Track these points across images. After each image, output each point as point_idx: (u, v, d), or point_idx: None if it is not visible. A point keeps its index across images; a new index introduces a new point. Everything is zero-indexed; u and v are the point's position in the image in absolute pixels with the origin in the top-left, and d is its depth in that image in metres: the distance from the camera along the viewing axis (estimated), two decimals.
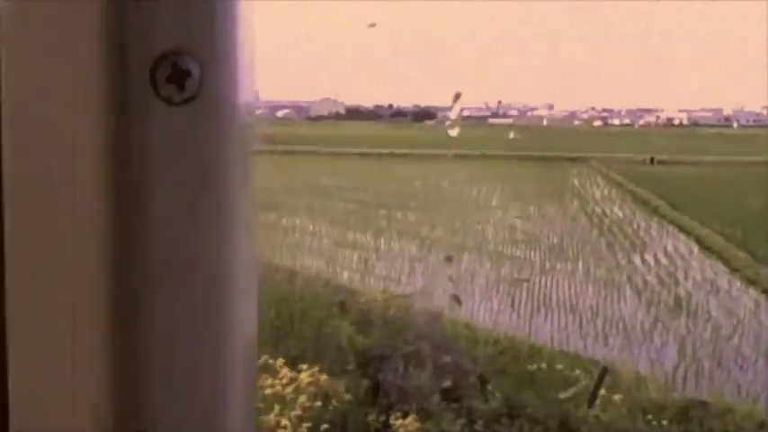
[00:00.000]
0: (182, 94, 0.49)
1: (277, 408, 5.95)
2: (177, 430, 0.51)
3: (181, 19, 0.50)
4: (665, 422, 6.77)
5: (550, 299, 12.39)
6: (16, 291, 0.52)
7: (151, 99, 0.49)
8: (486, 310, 11.47)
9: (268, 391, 6.11)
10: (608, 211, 21.81)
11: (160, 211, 0.50)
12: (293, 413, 6.01)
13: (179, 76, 0.49)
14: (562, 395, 6.99)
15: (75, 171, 0.49)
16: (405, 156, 36.55)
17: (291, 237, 16.36)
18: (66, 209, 0.50)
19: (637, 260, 15.42)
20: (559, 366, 7.89)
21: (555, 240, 17.21)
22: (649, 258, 15.55)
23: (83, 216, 0.49)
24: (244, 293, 0.53)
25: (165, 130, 0.49)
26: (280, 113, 68.92)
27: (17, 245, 0.52)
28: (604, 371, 7.44)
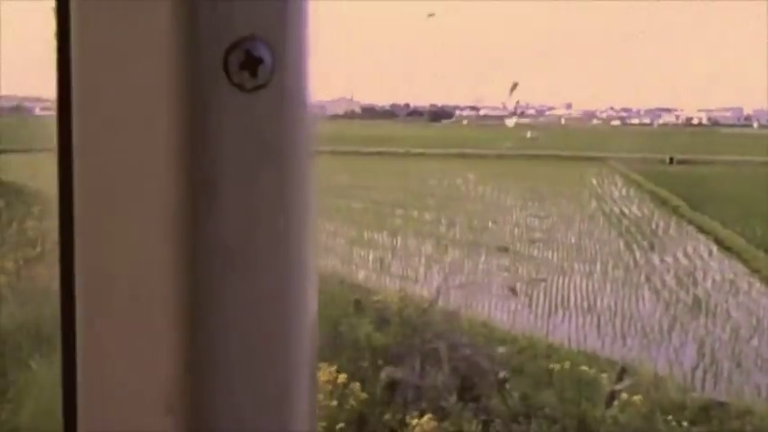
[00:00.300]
0: (254, 81, 0.49)
1: None
2: (247, 417, 0.51)
3: (254, 7, 0.50)
4: (684, 423, 6.71)
5: (568, 299, 12.33)
6: (85, 284, 0.52)
7: (224, 85, 0.49)
8: (504, 310, 11.42)
9: None
10: (626, 211, 21.68)
11: (230, 197, 0.50)
12: None
13: (252, 63, 0.49)
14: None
15: (148, 157, 0.49)
16: (421, 155, 36.54)
17: None
18: (139, 197, 0.50)
19: (655, 260, 15.32)
20: (577, 366, 7.84)
21: (573, 240, 17.13)
22: (668, 258, 15.44)
23: (155, 203, 0.49)
24: (307, 280, 0.53)
25: (237, 117, 0.49)
26: None
27: (87, 239, 0.52)
28: (623, 371, 7.39)
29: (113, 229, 0.50)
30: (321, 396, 6.20)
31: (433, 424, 6.13)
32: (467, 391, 6.95)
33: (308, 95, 0.52)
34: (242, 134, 0.50)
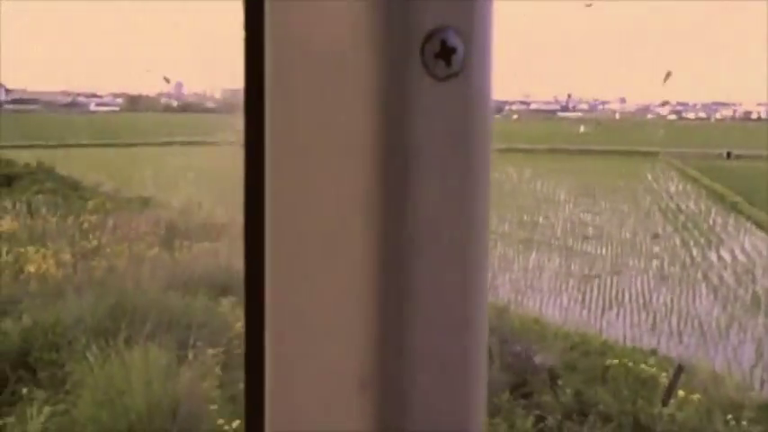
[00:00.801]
0: (448, 70, 0.51)
1: None
2: (433, 395, 0.52)
3: None
4: (743, 422, 6.56)
5: (623, 295, 12.15)
6: (277, 267, 0.53)
7: (421, 75, 0.50)
8: (556, 306, 11.31)
9: None
10: (683, 207, 21.30)
11: (420, 185, 0.51)
12: None
13: (446, 53, 0.51)
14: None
15: (345, 146, 0.50)
16: None
17: None
18: (334, 183, 0.51)
19: (713, 257, 15.02)
20: (632, 363, 7.72)
21: (627, 236, 16.89)
22: (726, 255, 15.13)
23: (351, 188, 0.51)
24: (484, 271, 0.55)
25: (432, 105, 0.51)
26: None
27: (279, 225, 0.53)
28: (680, 369, 7.25)
29: (306, 215, 0.52)
30: None
31: (485, 420, 6.08)
32: (519, 387, 6.88)
33: (492, 85, 0.53)
34: (435, 123, 0.51)
